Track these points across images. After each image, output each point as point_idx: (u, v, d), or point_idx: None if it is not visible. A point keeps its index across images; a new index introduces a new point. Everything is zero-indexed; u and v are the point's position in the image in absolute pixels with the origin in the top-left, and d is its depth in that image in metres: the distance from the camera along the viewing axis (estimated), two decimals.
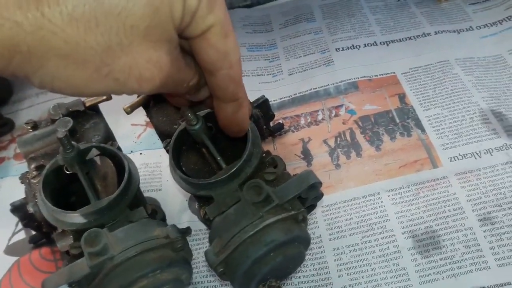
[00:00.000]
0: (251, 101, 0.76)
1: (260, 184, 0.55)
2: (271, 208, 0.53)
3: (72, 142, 0.61)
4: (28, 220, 0.72)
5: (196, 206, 0.79)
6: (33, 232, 0.78)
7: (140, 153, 0.91)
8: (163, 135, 0.72)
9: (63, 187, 0.65)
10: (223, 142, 0.66)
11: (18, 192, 0.76)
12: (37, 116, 1.04)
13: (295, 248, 0.54)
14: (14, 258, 0.78)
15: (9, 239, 0.81)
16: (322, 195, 0.59)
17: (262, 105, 0.77)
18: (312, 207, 0.61)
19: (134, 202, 0.61)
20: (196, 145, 0.67)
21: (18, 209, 0.71)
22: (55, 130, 0.70)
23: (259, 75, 1.02)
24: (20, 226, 0.83)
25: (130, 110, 0.74)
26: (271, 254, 0.52)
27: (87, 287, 0.53)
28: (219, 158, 0.60)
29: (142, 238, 0.54)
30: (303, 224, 0.56)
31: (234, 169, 0.58)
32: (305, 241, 0.56)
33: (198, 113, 0.61)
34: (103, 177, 0.65)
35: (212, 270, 0.55)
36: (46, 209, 0.60)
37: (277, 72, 1.01)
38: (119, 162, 0.64)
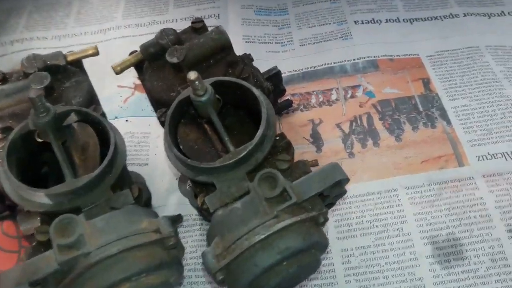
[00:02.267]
0: (261, 72, 0.66)
1: (276, 175, 0.45)
2: (287, 207, 0.44)
3: (47, 104, 0.50)
4: None
5: (188, 187, 0.70)
6: None
7: (126, 120, 0.79)
8: (157, 103, 0.61)
9: (32, 156, 0.55)
10: (230, 118, 0.56)
11: None
12: (8, 67, 0.91)
13: (311, 256, 0.45)
14: None
15: None
16: (345, 192, 0.50)
17: (274, 77, 0.67)
18: (330, 205, 0.52)
19: (118, 183, 0.51)
20: (198, 120, 0.56)
21: None
22: (27, 86, 0.59)
23: (266, 42, 0.90)
24: None
25: (120, 69, 0.63)
26: (284, 263, 0.43)
27: (54, 287, 0.43)
28: (226, 139, 0.49)
29: (126, 232, 0.44)
30: (322, 227, 0.47)
31: (244, 153, 0.49)
32: (323, 248, 0.47)
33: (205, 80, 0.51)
34: (82, 149, 0.54)
35: (208, 274, 0.45)
36: (10, 184, 0.50)
37: (287, 41, 0.90)
38: (103, 132, 0.53)
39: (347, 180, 0.47)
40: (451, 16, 0.92)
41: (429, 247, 0.61)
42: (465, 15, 0.92)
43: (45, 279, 0.43)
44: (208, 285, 0.60)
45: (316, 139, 0.73)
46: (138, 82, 0.85)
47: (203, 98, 0.48)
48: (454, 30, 0.89)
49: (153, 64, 0.62)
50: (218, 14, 0.96)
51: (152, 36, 0.63)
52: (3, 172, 0.50)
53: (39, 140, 0.52)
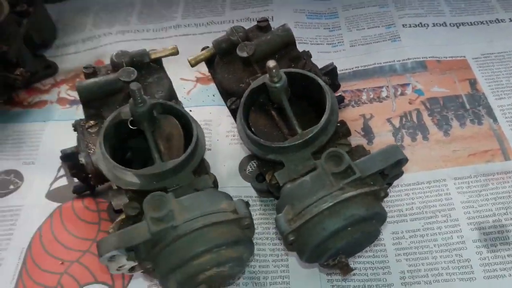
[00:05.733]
0: (319, 68, 0.72)
1: (341, 154, 0.51)
2: (352, 181, 0.50)
3: (144, 96, 0.56)
4: (77, 170, 0.68)
5: (247, 172, 0.76)
6: (76, 181, 0.76)
7: (190, 110, 0.86)
8: (227, 93, 0.68)
9: (120, 142, 0.61)
10: (294, 108, 0.62)
11: (61, 138, 0.73)
12: (82, 63, 1.00)
13: (372, 225, 0.51)
14: (56, 204, 0.75)
15: (51, 184, 0.78)
16: (402, 173, 0.55)
17: (331, 72, 0.73)
18: (388, 185, 0.57)
19: (198, 170, 0.57)
20: (266, 108, 0.63)
21: (68, 157, 0.67)
22: (117, 79, 0.66)
23: (318, 43, 0.96)
24: (62, 171, 0.80)
25: (194, 62, 0.70)
26: (349, 229, 0.49)
27: (145, 254, 0.49)
28: (295, 122, 0.56)
29: (209, 210, 0.49)
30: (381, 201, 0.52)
31: (311, 135, 0.55)
32: (383, 219, 0.53)
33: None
34: (167, 138, 0.60)
35: (279, 239, 0.51)
36: (106, 164, 0.56)
37: (338, 43, 0.96)
38: (186, 124, 0.60)
39: (406, 160, 0.52)
40: (497, 21, 0.96)
41: (476, 232, 0.65)
42: (511, 20, 0.95)
43: (138, 246, 0.48)
44: (269, 257, 0.66)
45: (368, 133, 0.79)
46: (200, 75, 0.93)
47: (278, 84, 0.55)
48: (500, 34, 0.92)
49: (224, 58, 0.69)
50: (272, 17, 1.02)
51: (210, 36, 0.69)
52: (100, 154, 0.56)
53: (132, 127, 0.58)
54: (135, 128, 0.58)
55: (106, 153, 0.54)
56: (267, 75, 0.57)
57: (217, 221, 0.49)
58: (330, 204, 0.48)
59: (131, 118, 0.57)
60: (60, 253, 0.68)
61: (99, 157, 0.57)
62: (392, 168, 0.52)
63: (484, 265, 0.62)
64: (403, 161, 0.52)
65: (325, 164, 0.51)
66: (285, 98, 0.56)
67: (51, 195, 0.77)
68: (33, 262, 0.68)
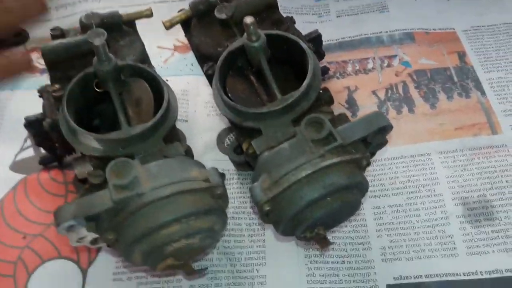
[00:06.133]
0: (303, 34, 0.68)
1: (322, 120, 0.48)
2: (333, 148, 0.46)
3: (110, 54, 0.52)
4: (42, 138, 0.64)
5: (226, 145, 0.72)
6: (43, 152, 0.71)
7: (166, 79, 0.81)
8: (204, 57, 0.64)
9: (87, 107, 0.57)
10: (274, 73, 0.58)
11: (29, 106, 0.68)
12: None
13: (353, 195, 0.48)
14: (20, 176, 0.71)
15: (16, 155, 0.73)
16: (386, 142, 0.52)
17: (315, 40, 0.69)
18: (371, 155, 0.54)
19: (168, 137, 0.53)
20: (244, 73, 0.59)
21: (32, 124, 0.62)
22: (85, 40, 0.61)
23: (303, 13, 0.92)
24: (28, 142, 0.75)
25: (169, 24, 0.65)
26: (328, 198, 0.46)
27: (107, 223, 0.45)
28: (274, 86, 0.52)
29: (179, 177, 0.46)
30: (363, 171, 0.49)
31: (291, 100, 0.51)
32: (364, 190, 0.50)
33: None
34: (136, 103, 0.56)
35: (255, 205, 0.47)
36: (68, 128, 0.52)
37: (324, 13, 0.92)
38: (157, 88, 0.56)
39: (390, 127, 0.49)
40: None
41: (460, 207, 0.63)
42: None
43: (99, 215, 0.45)
44: (245, 232, 0.63)
45: (352, 105, 0.75)
46: (178, 44, 0.89)
47: (256, 44, 0.51)
48: (490, 7, 0.89)
49: (201, 21, 0.65)
50: None
51: (186, 3, 0.65)
52: (62, 117, 0.52)
53: (97, 90, 0.54)
54: (101, 91, 0.54)
55: (68, 115, 0.50)
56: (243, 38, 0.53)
57: (187, 189, 0.45)
58: (309, 171, 0.45)
59: (97, 80, 0.53)
60: (22, 226, 0.64)
61: (61, 120, 0.52)
62: (375, 135, 0.49)
63: (468, 241, 0.60)
64: (387, 127, 0.49)
65: (305, 131, 0.47)
66: (264, 59, 0.52)
67: (16, 166, 0.72)
68: None
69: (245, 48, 0.53)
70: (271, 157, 0.49)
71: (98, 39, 0.50)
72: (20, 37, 0.92)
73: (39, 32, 0.94)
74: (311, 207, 0.46)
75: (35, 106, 0.65)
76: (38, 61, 0.89)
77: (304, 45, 0.55)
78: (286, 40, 0.56)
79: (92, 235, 0.46)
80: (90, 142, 0.51)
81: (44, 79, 0.84)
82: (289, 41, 0.55)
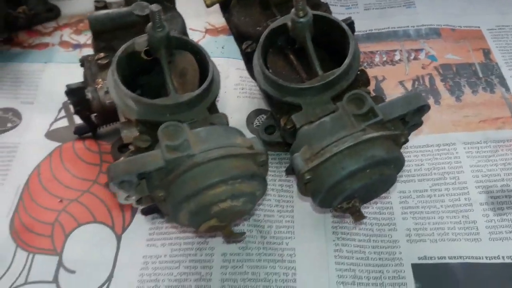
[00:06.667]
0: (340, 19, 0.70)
1: (364, 96, 0.49)
2: (373, 123, 0.48)
3: (164, 21, 0.54)
4: (82, 107, 0.66)
5: (255, 126, 0.74)
6: (77, 123, 0.73)
7: None
8: (242, 36, 0.66)
9: (131, 78, 0.58)
10: (317, 52, 0.60)
11: (62, 80, 0.70)
12: (87, 9, 0.96)
13: (390, 170, 0.50)
14: (56, 144, 0.73)
15: (51, 124, 0.75)
16: (421, 123, 0.54)
17: (348, 26, 0.71)
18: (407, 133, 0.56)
19: (212, 109, 0.55)
20: (284, 51, 0.61)
21: (73, 92, 0.64)
22: (130, 12, 0.63)
23: (331, 4, 0.92)
24: (62, 113, 0.77)
25: (210, 2, 0.67)
26: (367, 170, 0.48)
27: (158, 182, 0.46)
28: (317, 62, 0.54)
29: (226, 143, 0.47)
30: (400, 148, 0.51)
31: (332, 77, 0.53)
32: (400, 165, 0.52)
33: None
34: (181, 74, 0.58)
35: (296, 174, 0.49)
36: (117, 92, 0.53)
37: (352, 5, 0.94)
38: (201, 62, 0.57)
39: (428, 107, 0.51)
40: None
41: (483, 195, 0.65)
42: None
43: (150, 173, 0.46)
44: (274, 208, 0.65)
45: (379, 94, 0.77)
46: (209, 27, 0.91)
47: (304, 19, 0.53)
48: None
49: (240, 1, 0.67)
50: None
51: None
52: (112, 81, 0.54)
53: (146, 57, 0.55)
54: (150, 58, 0.55)
55: (118, 79, 0.52)
56: (289, 15, 0.55)
57: (234, 154, 0.47)
58: (351, 143, 0.47)
59: (147, 48, 0.55)
60: (59, 191, 0.66)
61: (110, 85, 0.54)
62: (413, 115, 0.51)
63: (490, 227, 0.62)
64: (425, 107, 0.51)
65: (346, 106, 0.49)
66: (309, 36, 0.54)
67: (51, 135, 0.74)
68: (31, 198, 0.65)
69: (290, 24, 0.55)
70: (312, 130, 0.51)
71: (155, 5, 0.51)
72: (52, 13, 0.95)
73: (72, 10, 0.97)
74: (351, 178, 0.48)
75: (68, 79, 0.67)
76: (71, 37, 0.91)
77: (345, 26, 0.56)
78: (328, 22, 0.58)
79: (138, 195, 0.48)
80: (140, 108, 0.52)
81: (76, 54, 0.87)
82: (332, 22, 0.57)
